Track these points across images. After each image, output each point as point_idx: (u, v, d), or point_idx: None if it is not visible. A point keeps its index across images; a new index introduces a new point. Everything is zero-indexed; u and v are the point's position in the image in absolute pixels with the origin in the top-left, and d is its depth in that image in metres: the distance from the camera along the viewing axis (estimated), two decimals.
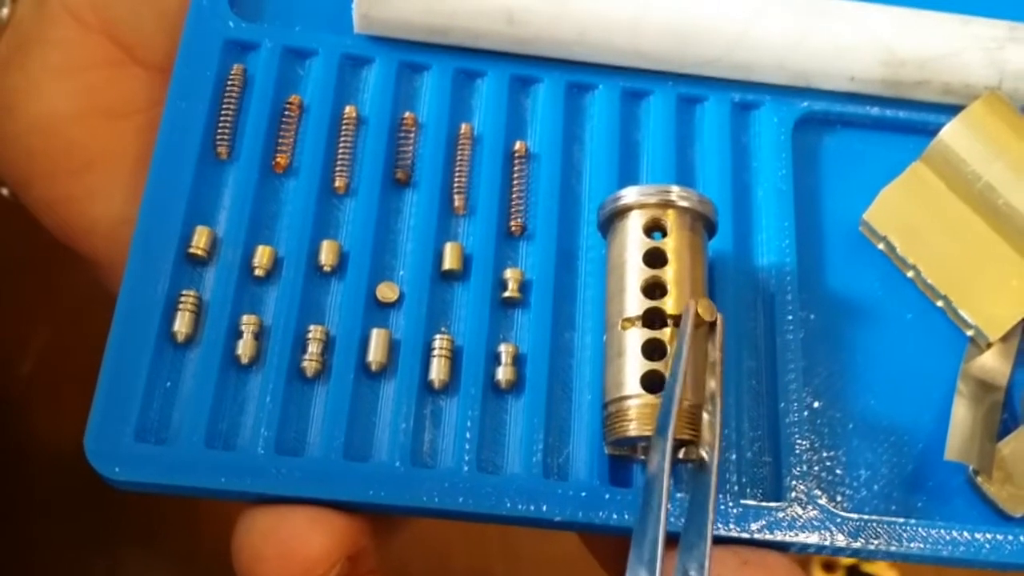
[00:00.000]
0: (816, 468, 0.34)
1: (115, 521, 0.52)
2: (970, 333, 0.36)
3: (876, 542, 0.33)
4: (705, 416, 0.32)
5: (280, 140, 0.36)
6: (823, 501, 0.33)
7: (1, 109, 0.38)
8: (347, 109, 0.37)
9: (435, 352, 0.34)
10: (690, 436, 0.32)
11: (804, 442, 0.34)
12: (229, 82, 0.37)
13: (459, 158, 0.37)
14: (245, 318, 0.34)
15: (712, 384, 0.32)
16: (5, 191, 0.42)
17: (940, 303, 0.36)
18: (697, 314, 0.32)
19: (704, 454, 0.31)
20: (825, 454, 0.34)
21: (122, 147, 0.38)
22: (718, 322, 0.32)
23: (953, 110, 0.37)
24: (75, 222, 0.38)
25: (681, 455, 0.32)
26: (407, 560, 0.53)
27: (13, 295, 0.56)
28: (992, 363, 0.36)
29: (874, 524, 0.33)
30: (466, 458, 0.33)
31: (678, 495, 0.32)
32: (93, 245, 0.38)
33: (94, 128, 0.38)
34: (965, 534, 0.33)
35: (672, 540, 0.30)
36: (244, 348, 0.33)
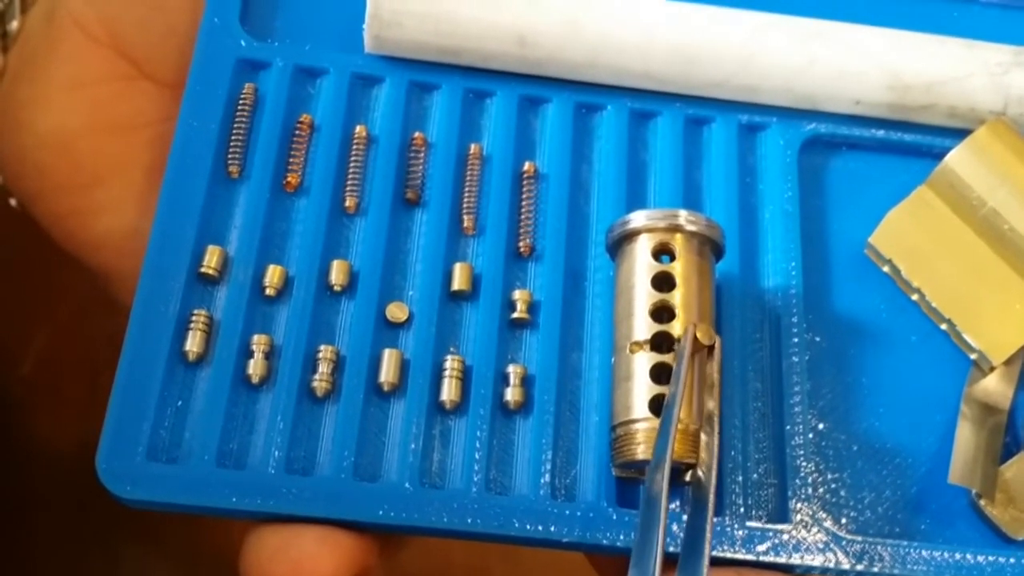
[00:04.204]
0: (821, 490, 0.34)
1: (115, 520, 0.52)
2: (974, 356, 0.36)
3: (879, 564, 0.33)
4: (703, 437, 0.32)
5: (291, 159, 0.37)
6: (828, 523, 0.33)
7: (10, 123, 0.38)
8: (357, 128, 0.37)
9: (445, 373, 0.34)
10: (694, 459, 0.32)
11: (809, 464, 0.34)
12: (240, 101, 0.37)
13: (468, 178, 0.37)
14: (256, 338, 0.34)
15: (710, 406, 0.32)
16: (14, 202, 0.42)
17: (944, 326, 0.37)
18: (696, 338, 0.32)
19: (701, 474, 0.32)
20: (830, 476, 0.35)
21: (131, 161, 0.38)
22: (716, 345, 0.33)
23: (959, 134, 0.37)
24: (84, 236, 0.38)
25: (688, 477, 0.32)
26: (407, 559, 0.53)
27: (13, 295, 0.56)
28: (995, 386, 0.36)
29: (877, 546, 0.33)
30: (475, 479, 0.33)
31: (684, 517, 0.32)
32: (102, 258, 0.38)
33: (103, 142, 0.38)
34: (968, 557, 0.33)
35: (671, 560, 0.31)
36: (255, 368, 0.34)
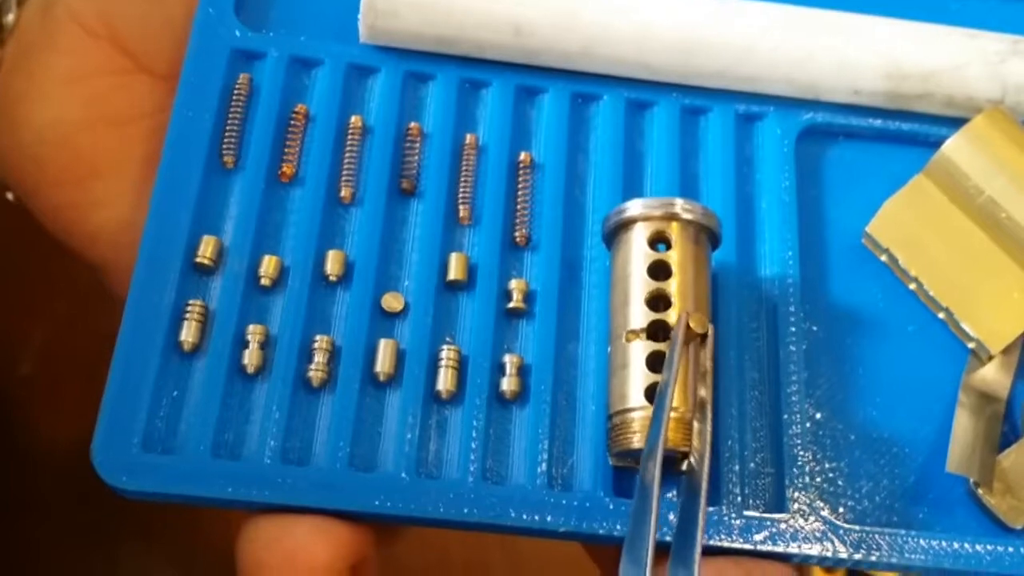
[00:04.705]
0: (818, 479, 0.34)
1: (115, 519, 0.52)
2: (971, 345, 0.36)
3: (877, 553, 0.33)
4: (695, 425, 0.32)
5: (286, 149, 0.37)
6: (825, 512, 0.33)
7: (7, 116, 0.38)
8: (353, 119, 0.37)
9: (441, 363, 0.34)
10: (689, 448, 0.32)
11: (806, 453, 0.34)
12: (235, 91, 0.37)
13: (464, 168, 0.37)
14: (251, 328, 0.34)
15: (702, 393, 0.32)
16: (10, 196, 0.42)
17: (942, 315, 0.37)
18: (688, 327, 0.32)
19: (694, 462, 0.32)
20: (827, 465, 0.35)
21: (128, 153, 0.38)
22: (709, 334, 0.33)
23: (956, 123, 0.37)
24: (80, 229, 0.38)
25: (684, 467, 0.32)
26: (405, 553, 0.53)
27: (13, 293, 0.56)
28: (993, 375, 0.36)
29: (875, 535, 0.33)
30: (471, 468, 0.33)
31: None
32: (99, 251, 0.38)
33: (100, 135, 0.38)
34: (966, 545, 0.33)
35: (664, 549, 0.31)
36: (250, 358, 0.34)
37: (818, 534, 0.33)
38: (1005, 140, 0.36)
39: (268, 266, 0.35)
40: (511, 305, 0.35)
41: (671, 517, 0.32)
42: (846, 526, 0.33)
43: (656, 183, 0.38)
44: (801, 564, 0.33)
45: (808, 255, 0.37)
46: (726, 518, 0.33)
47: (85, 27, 0.38)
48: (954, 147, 0.36)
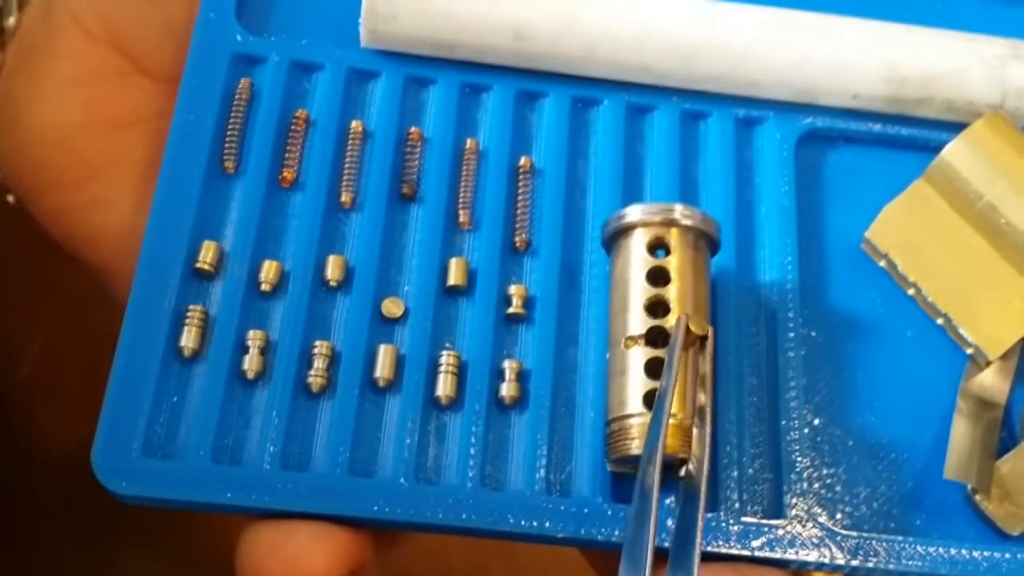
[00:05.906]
0: (816, 485, 0.34)
1: (114, 520, 0.52)
2: (970, 351, 0.36)
3: (875, 560, 0.33)
4: (694, 431, 0.32)
5: (287, 154, 0.37)
6: (823, 519, 0.33)
7: (8, 119, 0.38)
8: (353, 123, 0.37)
9: (441, 368, 0.34)
10: (688, 454, 0.32)
11: (804, 459, 0.34)
12: (236, 96, 0.37)
13: (464, 173, 0.37)
14: (251, 333, 0.34)
15: (701, 398, 0.32)
16: (11, 198, 0.42)
17: (940, 321, 0.37)
18: (688, 329, 0.32)
19: (692, 468, 0.32)
20: (825, 471, 0.35)
21: (128, 157, 0.38)
22: (709, 336, 0.33)
23: (955, 127, 0.37)
24: (81, 231, 0.38)
25: (683, 473, 0.32)
26: (405, 559, 0.53)
27: (13, 295, 0.55)
28: (991, 381, 0.36)
29: (873, 542, 0.33)
30: (470, 474, 0.33)
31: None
32: (99, 254, 0.38)
33: (100, 138, 0.38)
34: (963, 552, 0.33)
35: (663, 555, 0.31)
36: (250, 363, 0.34)
37: (816, 540, 0.33)
38: (1005, 145, 0.37)
39: (268, 271, 0.35)
40: (511, 310, 0.35)
41: (669, 523, 0.32)
42: (844, 532, 0.33)
43: (656, 188, 0.38)
44: (798, 570, 0.33)
45: (807, 260, 0.37)
46: (724, 524, 0.33)
47: (86, 30, 0.38)
48: (954, 152, 0.36)
